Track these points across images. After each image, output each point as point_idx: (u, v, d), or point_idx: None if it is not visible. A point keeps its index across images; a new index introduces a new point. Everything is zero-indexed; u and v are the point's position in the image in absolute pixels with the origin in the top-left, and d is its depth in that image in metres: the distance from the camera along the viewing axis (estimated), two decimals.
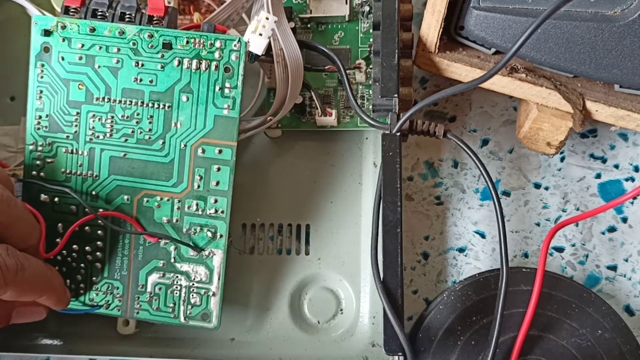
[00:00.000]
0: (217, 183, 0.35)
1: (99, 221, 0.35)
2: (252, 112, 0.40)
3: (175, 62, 0.34)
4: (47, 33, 0.34)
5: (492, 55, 0.37)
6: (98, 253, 0.36)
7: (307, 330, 0.39)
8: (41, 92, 0.35)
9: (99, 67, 0.34)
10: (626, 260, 0.40)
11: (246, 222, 0.40)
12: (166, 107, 0.34)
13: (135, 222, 0.35)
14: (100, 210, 0.35)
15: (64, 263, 0.36)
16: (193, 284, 0.36)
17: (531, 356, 0.37)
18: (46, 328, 0.39)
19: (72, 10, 0.35)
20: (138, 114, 0.35)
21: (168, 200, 0.35)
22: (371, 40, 0.39)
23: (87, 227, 0.36)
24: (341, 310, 0.39)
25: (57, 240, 0.35)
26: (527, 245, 0.41)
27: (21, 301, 0.33)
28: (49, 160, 0.35)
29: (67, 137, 0.35)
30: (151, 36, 0.34)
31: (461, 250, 0.41)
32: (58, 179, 0.35)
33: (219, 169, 0.35)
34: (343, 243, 0.40)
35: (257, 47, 0.34)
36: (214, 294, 0.36)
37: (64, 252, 0.36)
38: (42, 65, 0.35)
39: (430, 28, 0.35)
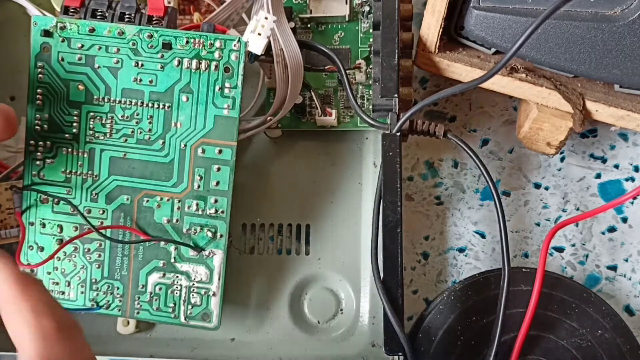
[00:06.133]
0: (217, 183, 0.35)
1: (98, 234, 0.35)
2: (252, 112, 0.40)
3: (175, 62, 0.34)
4: (47, 33, 0.34)
5: (492, 55, 0.37)
6: (98, 253, 0.36)
7: (307, 330, 0.39)
8: (41, 92, 0.35)
9: (98, 67, 0.34)
10: (626, 260, 0.40)
11: (246, 222, 0.40)
12: (166, 107, 0.34)
13: (136, 229, 0.35)
14: (100, 210, 0.35)
15: (64, 263, 0.36)
16: (193, 284, 0.36)
17: (531, 356, 0.37)
18: None
19: (72, 10, 0.35)
20: (138, 114, 0.35)
21: (168, 200, 0.35)
22: (371, 40, 0.39)
23: (86, 228, 0.36)
24: (341, 310, 0.39)
25: (57, 239, 0.36)
26: (527, 245, 0.41)
27: None
28: (49, 160, 0.35)
29: (67, 137, 0.35)
30: (151, 36, 0.34)
31: (461, 250, 0.41)
32: (58, 179, 0.35)
33: (219, 169, 0.35)
34: (343, 243, 0.40)
35: (256, 46, 0.34)
36: (214, 294, 0.36)
37: (65, 251, 0.36)
38: (42, 66, 0.35)
39: (430, 28, 0.35)
